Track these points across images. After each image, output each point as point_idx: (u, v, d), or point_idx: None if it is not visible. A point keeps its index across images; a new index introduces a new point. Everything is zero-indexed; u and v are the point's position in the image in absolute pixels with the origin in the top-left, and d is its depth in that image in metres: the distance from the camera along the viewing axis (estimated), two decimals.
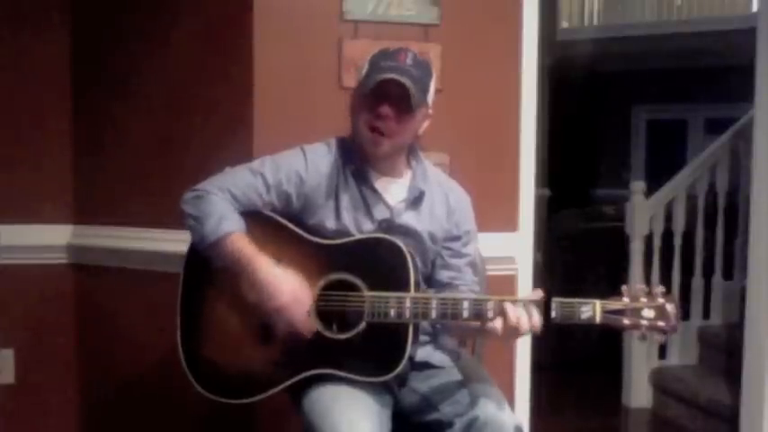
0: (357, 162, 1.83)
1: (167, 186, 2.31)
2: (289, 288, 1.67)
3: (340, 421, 1.60)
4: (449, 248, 1.89)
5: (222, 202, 1.75)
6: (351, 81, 2.27)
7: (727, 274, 4.07)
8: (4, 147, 2.66)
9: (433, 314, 1.67)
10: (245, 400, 1.77)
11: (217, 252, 1.72)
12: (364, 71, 1.80)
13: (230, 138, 2.33)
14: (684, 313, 3.97)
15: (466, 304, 1.65)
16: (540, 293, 1.64)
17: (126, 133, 2.60)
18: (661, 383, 3.95)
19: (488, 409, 1.67)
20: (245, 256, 1.69)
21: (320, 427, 1.62)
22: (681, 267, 3.99)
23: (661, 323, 1.61)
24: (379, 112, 1.74)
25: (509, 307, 1.61)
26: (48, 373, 2.74)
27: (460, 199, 1.94)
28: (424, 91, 1.79)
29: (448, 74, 2.37)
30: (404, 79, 1.72)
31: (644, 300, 1.62)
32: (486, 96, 2.47)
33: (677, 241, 4.01)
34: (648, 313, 1.61)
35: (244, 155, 2.16)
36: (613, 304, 1.62)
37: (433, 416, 1.76)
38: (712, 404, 3.56)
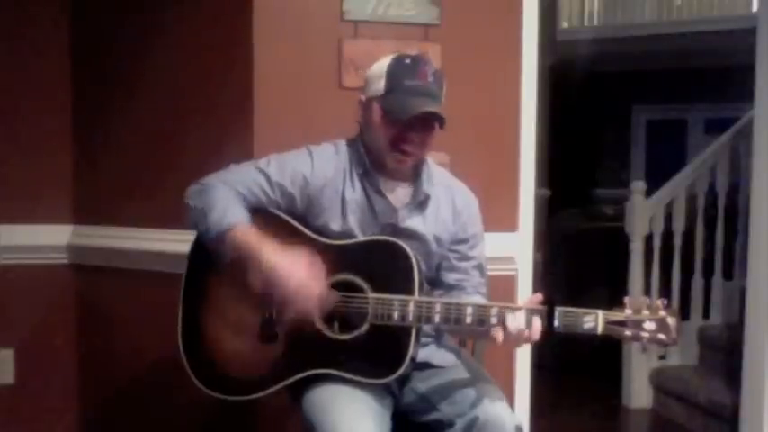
0: (366, 166, 1.81)
1: (167, 187, 2.31)
2: (297, 273, 1.64)
3: (340, 421, 1.60)
4: (455, 251, 1.88)
5: (226, 194, 1.74)
6: (351, 81, 2.27)
7: (727, 274, 4.06)
8: (4, 147, 2.66)
9: (437, 318, 1.66)
10: (245, 397, 1.78)
11: (222, 244, 1.71)
12: (383, 84, 1.75)
13: (230, 138, 2.33)
14: (684, 313, 3.97)
15: (470, 310, 1.65)
16: (539, 297, 1.64)
17: (126, 133, 2.60)
18: (661, 383, 3.95)
19: (489, 408, 1.67)
20: (251, 244, 1.67)
21: (320, 427, 1.62)
22: (681, 267, 3.99)
23: (662, 336, 1.62)
24: (410, 137, 1.75)
25: (509, 318, 1.60)
26: (48, 373, 2.74)
27: (467, 201, 1.92)
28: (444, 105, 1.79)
29: (448, 74, 2.34)
30: (439, 109, 1.73)
31: (646, 312, 1.62)
32: (486, 96, 2.47)
33: (677, 241, 4.01)
34: (650, 326, 1.62)
35: (244, 155, 2.15)
36: (616, 315, 1.62)
37: (434, 415, 1.76)
38: (712, 404, 3.56)
